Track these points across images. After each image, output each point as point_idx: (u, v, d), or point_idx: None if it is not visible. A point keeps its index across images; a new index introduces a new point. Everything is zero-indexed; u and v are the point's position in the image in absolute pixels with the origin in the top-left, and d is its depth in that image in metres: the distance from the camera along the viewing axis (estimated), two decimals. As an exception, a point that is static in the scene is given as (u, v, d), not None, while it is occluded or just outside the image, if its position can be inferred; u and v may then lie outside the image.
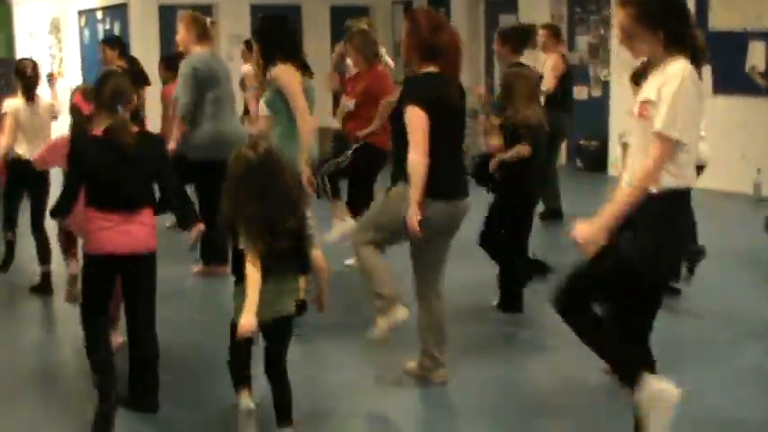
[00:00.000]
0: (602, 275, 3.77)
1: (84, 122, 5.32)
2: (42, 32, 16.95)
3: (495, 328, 6.12)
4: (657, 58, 3.73)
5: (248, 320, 3.94)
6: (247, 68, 9.75)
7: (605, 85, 12.57)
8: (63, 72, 16.39)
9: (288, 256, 4.07)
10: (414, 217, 4.62)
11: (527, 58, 7.28)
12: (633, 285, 3.78)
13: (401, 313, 4.89)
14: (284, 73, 5.92)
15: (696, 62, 3.73)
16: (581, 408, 4.76)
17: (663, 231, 3.68)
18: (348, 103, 7.55)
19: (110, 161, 4.55)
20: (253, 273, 3.97)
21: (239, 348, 4.22)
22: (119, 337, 5.46)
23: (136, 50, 13.96)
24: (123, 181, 4.59)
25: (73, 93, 5.60)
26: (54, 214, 4.80)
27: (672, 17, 3.71)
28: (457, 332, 5.46)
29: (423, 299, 5.03)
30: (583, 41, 12.95)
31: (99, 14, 15.02)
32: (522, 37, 7.29)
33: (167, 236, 8.36)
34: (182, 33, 7.27)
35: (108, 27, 14.77)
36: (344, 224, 7.42)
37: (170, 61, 9.40)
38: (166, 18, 14.01)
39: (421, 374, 5.10)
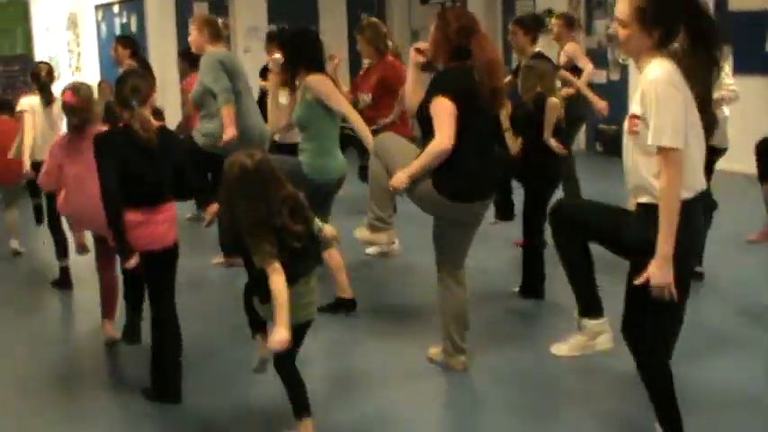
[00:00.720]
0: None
1: (82, 119, 5.47)
2: (60, 28, 17.01)
3: (516, 313, 6.11)
4: (642, 58, 3.65)
5: (283, 335, 3.80)
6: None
7: (624, 69, 12.50)
8: (81, 67, 16.46)
9: (303, 256, 4.02)
10: (399, 181, 4.71)
11: (544, 46, 7.25)
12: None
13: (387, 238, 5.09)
14: (316, 80, 5.91)
15: (708, 44, 3.67)
16: (604, 394, 4.75)
17: (687, 236, 3.60)
18: (365, 96, 7.50)
19: (133, 155, 4.60)
20: (279, 285, 3.83)
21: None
22: (115, 332, 5.68)
23: (153, 45, 14.02)
24: (147, 175, 4.65)
25: (63, 92, 5.61)
26: (111, 222, 4.65)
27: (674, 16, 3.62)
28: (479, 317, 5.46)
29: (444, 285, 5.02)
30: (601, 25, 12.88)
31: (116, 9, 15.04)
32: (539, 25, 7.26)
33: (188, 228, 8.43)
34: (194, 35, 7.21)
35: (125, 21, 14.80)
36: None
37: (190, 54, 9.42)
38: (183, 12, 14.02)
39: (444, 360, 5.11)
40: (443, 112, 4.62)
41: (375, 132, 7.35)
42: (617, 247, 3.90)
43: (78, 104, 5.51)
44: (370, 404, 4.79)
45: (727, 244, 7.03)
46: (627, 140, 3.70)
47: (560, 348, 4.94)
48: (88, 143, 4.96)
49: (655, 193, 3.56)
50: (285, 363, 4.13)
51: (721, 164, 6.66)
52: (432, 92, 4.72)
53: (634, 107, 3.61)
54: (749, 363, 5.14)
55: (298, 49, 6.03)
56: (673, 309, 3.72)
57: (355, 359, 5.48)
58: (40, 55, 14.85)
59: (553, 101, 6.20)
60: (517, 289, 6.37)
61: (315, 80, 5.89)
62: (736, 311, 5.99)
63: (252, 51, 14.27)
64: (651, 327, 3.76)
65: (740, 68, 10.69)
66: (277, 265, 3.83)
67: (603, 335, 4.24)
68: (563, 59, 8.35)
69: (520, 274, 6.41)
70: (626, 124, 3.68)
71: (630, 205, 3.82)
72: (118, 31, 15.03)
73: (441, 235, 4.98)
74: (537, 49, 7.09)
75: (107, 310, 5.82)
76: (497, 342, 5.50)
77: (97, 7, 15.63)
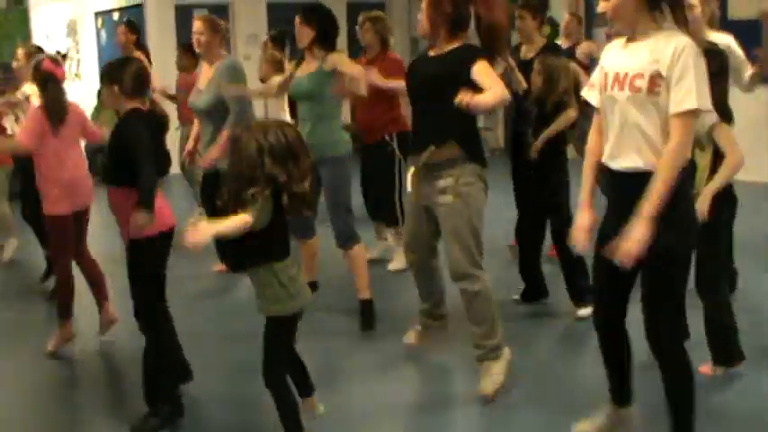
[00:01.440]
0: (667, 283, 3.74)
1: (57, 88, 5.67)
2: (59, 35, 17.01)
3: (522, 318, 6.12)
4: (638, 26, 3.64)
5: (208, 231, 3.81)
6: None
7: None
8: (80, 74, 16.45)
9: (306, 225, 4.05)
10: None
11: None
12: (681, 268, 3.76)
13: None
14: (340, 54, 6.14)
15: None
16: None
17: (682, 209, 3.68)
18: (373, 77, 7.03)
19: (155, 136, 4.69)
20: (238, 221, 3.82)
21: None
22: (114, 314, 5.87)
23: (153, 50, 13.96)
24: (161, 155, 4.76)
25: (40, 61, 5.66)
26: (152, 202, 4.58)
27: None
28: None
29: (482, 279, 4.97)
30: (601, 33, 12.87)
31: (115, 16, 15.04)
32: (545, 10, 7.13)
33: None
34: (207, 36, 7.04)
35: (124, 28, 14.79)
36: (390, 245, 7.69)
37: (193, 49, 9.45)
38: (183, 18, 14.01)
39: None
40: (491, 70, 4.73)
41: (392, 136, 7.26)
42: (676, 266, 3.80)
43: (60, 75, 5.59)
44: (388, 404, 4.77)
45: (747, 254, 7.02)
46: (628, 100, 3.63)
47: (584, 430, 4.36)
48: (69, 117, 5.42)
49: (655, 153, 3.58)
50: (274, 376, 4.06)
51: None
52: (473, 57, 4.72)
53: (649, 66, 3.57)
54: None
55: (327, 28, 6.18)
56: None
57: (379, 372, 5.47)
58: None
59: (570, 115, 6.07)
60: (518, 296, 6.35)
61: (338, 55, 6.10)
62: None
63: (252, 59, 14.25)
64: (673, 320, 3.80)
65: (739, 76, 10.74)
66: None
67: (630, 420, 4.18)
68: (581, 52, 8.20)
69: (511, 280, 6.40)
70: (639, 83, 3.59)
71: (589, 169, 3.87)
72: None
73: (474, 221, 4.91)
74: (546, 39, 6.91)
75: (103, 295, 5.84)
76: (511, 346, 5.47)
77: (97, 14, 15.63)
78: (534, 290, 6.36)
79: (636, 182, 3.60)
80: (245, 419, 4.75)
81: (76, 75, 16.64)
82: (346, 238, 6.11)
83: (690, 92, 3.49)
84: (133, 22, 9.88)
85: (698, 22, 5.61)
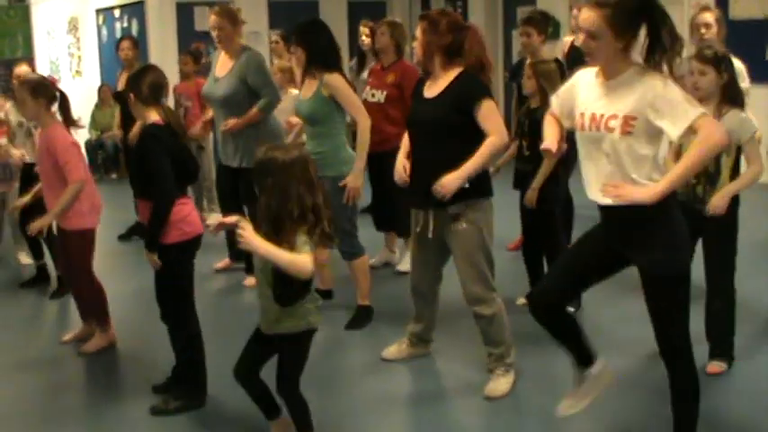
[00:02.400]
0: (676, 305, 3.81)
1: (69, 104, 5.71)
2: (61, 31, 17.01)
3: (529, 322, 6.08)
4: (610, 64, 3.72)
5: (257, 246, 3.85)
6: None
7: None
8: (81, 71, 16.45)
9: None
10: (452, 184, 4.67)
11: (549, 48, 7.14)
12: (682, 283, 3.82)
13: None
14: (337, 79, 5.90)
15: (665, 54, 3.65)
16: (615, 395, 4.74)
17: (672, 225, 3.77)
18: (377, 93, 7.20)
19: (176, 145, 4.78)
20: (307, 261, 3.83)
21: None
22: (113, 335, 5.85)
23: (153, 48, 14.00)
24: (185, 164, 4.86)
25: (49, 81, 5.77)
26: (165, 220, 4.70)
27: (638, 22, 3.66)
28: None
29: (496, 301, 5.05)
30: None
31: (117, 13, 15.02)
32: (549, 25, 7.07)
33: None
34: (227, 28, 6.98)
35: (126, 25, 14.77)
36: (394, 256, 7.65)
37: (198, 55, 9.49)
38: (184, 16, 14.01)
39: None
40: (496, 111, 4.75)
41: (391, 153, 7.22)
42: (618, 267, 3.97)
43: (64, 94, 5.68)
44: (402, 405, 4.78)
45: (753, 255, 7.02)
46: (605, 140, 3.69)
47: (569, 407, 4.33)
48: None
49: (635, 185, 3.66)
50: (288, 388, 4.13)
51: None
52: (477, 96, 4.74)
53: (618, 108, 3.65)
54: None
55: (318, 43, 6.01)
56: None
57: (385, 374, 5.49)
58: (40, 59, 14.83)
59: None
60: (524, 300, 6.19)
61: (335, 79, 5.89)
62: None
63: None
64: (683, 329, 3.82)
65: (741, 77, 10.74)
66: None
67: (605, 373, 4.20)
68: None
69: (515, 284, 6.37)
70: (613, 124, 3.66)
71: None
72: (118, 35, 15.01)
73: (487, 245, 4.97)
74: (554, 57, 6.87)
75: (106, 316, 5.85)
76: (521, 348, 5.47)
77: (98, 11, 15.62)
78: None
79: (628, 212, 3.68)
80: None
81: (77, 72, 16.64)
82: (350, 255, 6.15)
83: (677, 115, 3.56)
84: (134, 37, 9.81)
85: (714, 41, 5.71)
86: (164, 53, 13.87)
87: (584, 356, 4.14)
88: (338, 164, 5.92)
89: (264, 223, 3.88)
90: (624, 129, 3.63)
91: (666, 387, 3.95)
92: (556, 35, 12.96)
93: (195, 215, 4.90)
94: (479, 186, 4.83)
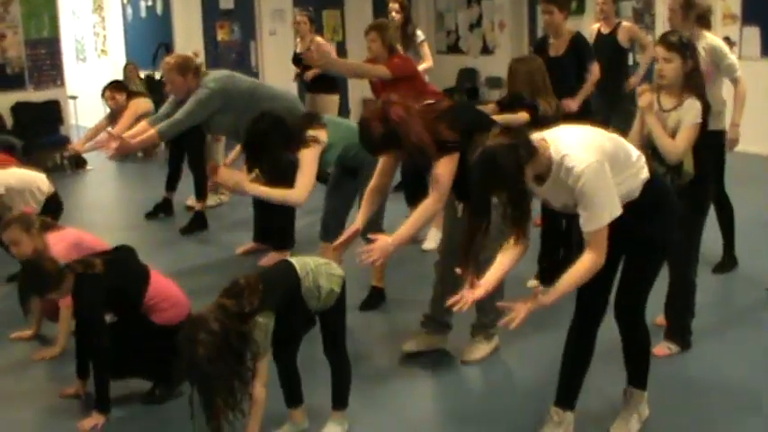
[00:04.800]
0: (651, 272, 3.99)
1: None
2: (86, 11, 17.04)
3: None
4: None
5: None
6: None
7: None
8: (107, 50, 16.48)
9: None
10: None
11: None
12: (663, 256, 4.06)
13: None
14: (304, 154, 5.60)
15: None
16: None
17: (666, 202, 3.91)
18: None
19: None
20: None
21: None
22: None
23: (178, 27, 14.02)
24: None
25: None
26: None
27: None
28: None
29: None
30: (627, 7, 12.76)
31: (141, -9, 15.05)
32: (571, 2, 6.93)
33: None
34: (178, 80, 6.91)
35: (150, 3, 14.78)
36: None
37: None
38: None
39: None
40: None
41: None
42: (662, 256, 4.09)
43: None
44: (402, 390, 4.81)
45: (753, 226, 6.97)
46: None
47: None
48: None
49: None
50: (340, 351, 4.21)
51: (750, 146, 6.57)
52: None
53: (568, 199, 3.73)
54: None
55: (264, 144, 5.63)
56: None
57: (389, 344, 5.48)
58: (66, 38, 14.86)
59: (521, 117, 5.58)
60: (535, 281, 6.15)
61: (303, 155, 5.55)
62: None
63: (277, 34, 14.23)
64: (648, 292, 4.01)
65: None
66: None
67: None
68: (623, 38, 7.92)
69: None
70: (570, 208, 3.74)
71: None
72: (143, 14, 15.04)
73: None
74: (575, 32, 6.84)
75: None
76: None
77: (123, -10, 15.65)
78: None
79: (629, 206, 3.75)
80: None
81: (103, 51, 16.68)
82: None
83: (592, 216, 3.62)
84: (116, 82, 9.41)
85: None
86: (188, 31, 13.90)
87: (573, 395, 4.13)
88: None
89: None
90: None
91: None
92: (581, 11, 12.89)
93: (183, 299, 4.83)
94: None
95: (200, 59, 8.30)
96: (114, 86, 8.89)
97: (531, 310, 3.65)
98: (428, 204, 4.61)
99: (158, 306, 4.67)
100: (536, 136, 3.68)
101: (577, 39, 6.83)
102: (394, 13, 8.51)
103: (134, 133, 6.90)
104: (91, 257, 4.72)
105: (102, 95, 8.85)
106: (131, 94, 8.87)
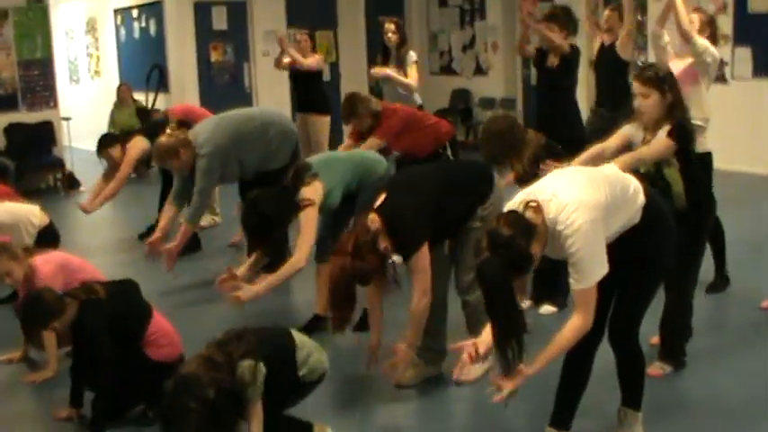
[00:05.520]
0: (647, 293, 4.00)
1: None
2: (79, 32, 17.08)
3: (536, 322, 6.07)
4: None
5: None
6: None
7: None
8: (100, 71, 16.51)
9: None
10: None
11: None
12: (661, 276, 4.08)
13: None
14: (305, 213, 5.64)
15: None
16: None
17: (664, 222, 3.93)
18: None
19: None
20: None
21: None
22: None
23: (171, 48, 14.05)
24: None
25: None
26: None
27: None
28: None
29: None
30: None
31: (135, 12, 15.06)
32: (571, 22, 6.92)
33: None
34: (173, 163, 6.97)
35: (144, 25, 14.82)
36: None
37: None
38: (202, 15, 14.03)
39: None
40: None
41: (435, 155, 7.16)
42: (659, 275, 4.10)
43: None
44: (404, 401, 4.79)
45: (742, 245, 6.98)
46: None
47: None
48: None
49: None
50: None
51: (742, 166, 6.59)
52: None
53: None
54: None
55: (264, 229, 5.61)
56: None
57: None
58: (59, 59, 14.89)
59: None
60: (527, 303, 6.04)
61: (303, 214, 5.57)
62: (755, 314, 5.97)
63: (270, 56, 14.26)
64: (643, 313, 4.01)
65: (761, 71, 10.66)
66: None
67: None
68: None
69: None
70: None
71: None
72: (137, 35, 15.08)
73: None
74: (574, 44, 6.85)
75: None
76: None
77: (116, 11, 15.67)
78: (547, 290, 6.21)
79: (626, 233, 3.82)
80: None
81: (96, 72, 16.70)
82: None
83: (582, 277, 3.64)
84: (107, 137, 9.18)
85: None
86: (182, 52, 13.91)
87: (569, 417, 4.12)
88: None
89: None
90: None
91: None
92: (574, 30, 12.91)
93: (176, 337, 4.85)
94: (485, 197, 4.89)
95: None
96: (106, 144, 8.51)
97: (517, 386, 3.67)
98: (418, 306, 4.70)
99: (157, 342, 4.69)
100: (529, 199, 3.68)
101: (572, 51, 6.82)
102: (390, 34, 8.53)
103: (177, 244, 6.87)
104: (93, 284, 4.77)
105: (99, 155, 8.50)
106: (122, 139, 8.63)
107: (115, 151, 8.29)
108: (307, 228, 5.50)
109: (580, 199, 3.64)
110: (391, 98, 8.21)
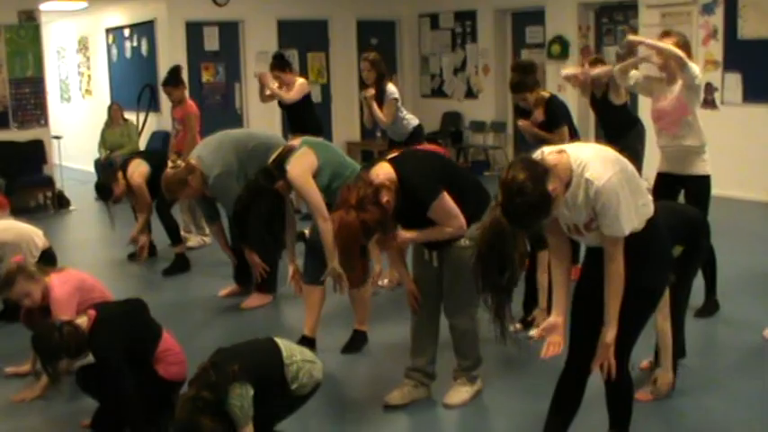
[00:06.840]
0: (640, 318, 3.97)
1: None
2: (71, 51, 17.09)
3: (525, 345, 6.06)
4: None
5: None
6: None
7: (633, 97, 12.47)
8: (91, 89, 16.51)
9: None
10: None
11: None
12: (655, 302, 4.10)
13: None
14: (295, 176, 5.71)
15: None
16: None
17: (658, 247, 3.92)
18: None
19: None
20: None
21: None
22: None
23: (163, 67, 14.03)
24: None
25: None
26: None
27: None
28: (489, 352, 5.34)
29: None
30: (611, 52, 12.87)
31: (126, 32, 15.08)
32: (535, 76, 7.15)
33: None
34: (184, 191, 6.98)
35: (135, 44, 14.83)
36: None
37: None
38: (193, 34, 14.05)
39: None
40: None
41: None
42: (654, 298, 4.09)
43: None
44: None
45: (731, 270, 7.00)
46: (588, 236, 3.83)
47: None
48: None
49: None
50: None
51: (731, 191, 6.60)
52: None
53: (586, 214, 3.76)
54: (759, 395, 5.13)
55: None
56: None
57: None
58: (51, 78, 14.89)
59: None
60: (519, 325, 6.07)
61: (294, 179, 5.62)
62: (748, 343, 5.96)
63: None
64: (636, 337, 3.98)
65: (751, 97, 10.72)
66: None
67: None
68: (614, 96, 7.85)
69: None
70: (584, 226, 3.77)
71: None
72: (128, 54, 15.09)
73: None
74: (547, 94, 7.06)
75: None
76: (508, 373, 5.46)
77: (108, 30, 15.68)
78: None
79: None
80: None
81: (87, 91, 16.70)
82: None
83: (612, 226, 3.67)
84: (107, 175, 9.28)
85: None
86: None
87: None
88: None
89: None
90: (589, 225, 3.76)
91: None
92: (565, 56, 13.00)
93: (183, 356, 4.85)
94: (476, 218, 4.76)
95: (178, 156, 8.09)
96: (108, 184, 8.53)
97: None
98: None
99: (168, 359, 4.71)
100: (554, 148, 3.72)
101: (549, 103, 7.02)
102: (366, 72, 8.58)
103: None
104: (106, 304, 4.85)
105: (107, 200, 8.52)
106: (117, 170, 8.61)
107: (118, 187, 8.27)
108: (303, 192, 5.56)
109: (606, 158, 3.71)
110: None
